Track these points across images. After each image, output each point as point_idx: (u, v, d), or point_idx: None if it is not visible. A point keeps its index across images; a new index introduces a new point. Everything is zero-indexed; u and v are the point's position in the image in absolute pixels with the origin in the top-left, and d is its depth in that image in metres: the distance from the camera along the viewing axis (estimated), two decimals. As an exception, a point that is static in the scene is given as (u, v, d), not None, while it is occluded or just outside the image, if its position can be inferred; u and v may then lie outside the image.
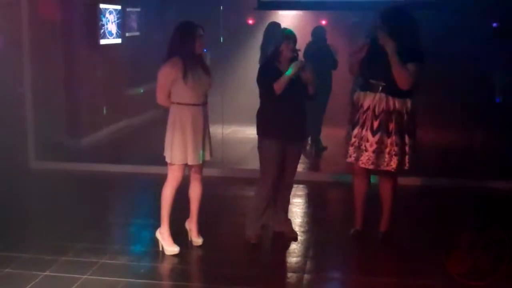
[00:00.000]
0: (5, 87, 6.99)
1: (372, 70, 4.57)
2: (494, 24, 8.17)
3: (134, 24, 9.49)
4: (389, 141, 4.53)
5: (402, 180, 5.20)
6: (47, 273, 4.21)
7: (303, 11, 8.81)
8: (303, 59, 4.92)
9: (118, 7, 8.74)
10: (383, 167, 4.59)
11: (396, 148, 4.53)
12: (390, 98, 4.51)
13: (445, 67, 7.81)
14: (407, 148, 4.56)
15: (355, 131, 4.65)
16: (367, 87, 4.61)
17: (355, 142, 4.65)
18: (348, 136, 4.73)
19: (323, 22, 8.76)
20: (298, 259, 4.61)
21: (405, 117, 4.54)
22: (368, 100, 4.58)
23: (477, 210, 5.66)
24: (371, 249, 4.80)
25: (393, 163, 4.55)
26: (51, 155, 7.31)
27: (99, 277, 4.17)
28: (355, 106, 4.69)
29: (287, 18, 8.61)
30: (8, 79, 7.06)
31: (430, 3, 6.50)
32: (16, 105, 7.16)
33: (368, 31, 4.76)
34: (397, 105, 4.52)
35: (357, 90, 4.74)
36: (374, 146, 4.55)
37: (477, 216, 5.42)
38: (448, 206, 5.83)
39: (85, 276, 4.16)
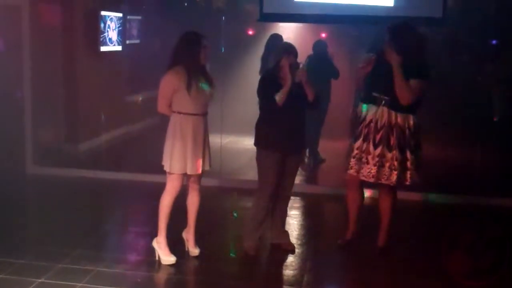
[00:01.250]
0: (4, 91, 6.99)
1: (376, 84, 4.59)
2: (494, 42, 8.21)
3: (134, 32, 9.50)
4: (390, 155, 4.55)
5: (403, 195, 5.19)
6: (42, 279, 4.18)
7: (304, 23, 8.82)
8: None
9: (120, 14, 8.75)
10: (384, 181, 4.60)
11: (396, 163, 4.54)
12: (393, 113, 4.54)
13: (445, 82, 7.83)
14: (408, 164, 4.57)
15: (358, 143, 4.66)
16: (370, 100, 4.63)
17: (357, 154, 4.66)
18: (350, 148, 4.74)
19: (323, 35, 8.78)
20: (295, 272, 4.58)
21: (407, 132, 4.55)
22: (371, 113, 4.60)
23: (476, 226, 5.63)
24: (368, 262, 4.78)
25: (393, 178, 4.56)
26: (49, 160, 7.29)
27: (94, 285, 4.13)
28: (358, 119, 4.70)
29: (288, 30, 8.62)
30: (7, 83, 7.05)
31: (431, 19, 6.52)
32: (15, 109, 7.15)
33: (370, 45, 4.78)
34: (399, 119, 4.54)
35: (359, 103, 4.75)
36: (376, 159, 4.57)
37: (476, 232, 5.41)
38: (448, 222, 5.80)
39: (80, 284, 4.13)
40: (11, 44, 7.12)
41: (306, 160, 7.58)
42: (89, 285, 4.13)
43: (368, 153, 4.59)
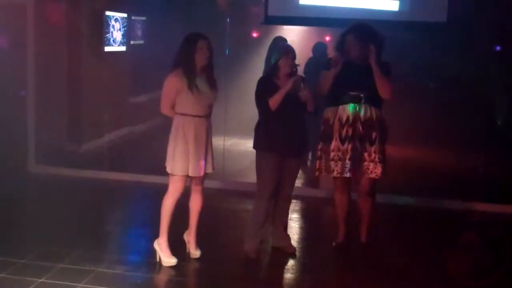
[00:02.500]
0: (8, 90, 6.99)
1: (350, 83, 4.67)
2: (498, 48, 8.21)
3: (139, 33, 9.52)
4: (372, 149, 4.67)
5: (402, 199, 5.16)
6: (43, 279, 4.17)
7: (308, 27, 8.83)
8: (302, 75, 4.92)
9: (124, 15, 8.77)
10: (367, 175, 4.71)
11: (380, 156, 4.67)
12: (373, 109, 4.68)
13: (446, 88, 7.82)
14: (382, 157, 4.72)
15: (345, 145, 4.69)
16: (346, 100, 4.69)
17: (351, 156, 4.69)
18: (338, 151, 4.77)
19: (327, 38, 8.77)
20: (296, 275, 4.58)
21: (382, 126, 4.72)
22: (350, 111, 4.68)
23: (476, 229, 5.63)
24: (369, 266, 4.77)
25: (378, 170, 4.69)
26: (52, 160, 7.29)
27: (94, 286, 4.12)
28: (338, 121, 4.73)
29: (293, 33, 8.63)
30: (11, 82, 7.06)
31: (436, 24, 6.52)
32: (18, 108, 7.16)
33: (337, 44, 4.86)
34: (377, 114, 4.69)
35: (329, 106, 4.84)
36: (360, 154, 4.68)
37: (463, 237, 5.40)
38: (442, 227, 5.80)
39: (80, 285, 4.12)
40: (16, 42, 7.13)
41: (308, 163, 7.56)
42: (89, 286, 4.12)
43: (351, 150, 4.69)
